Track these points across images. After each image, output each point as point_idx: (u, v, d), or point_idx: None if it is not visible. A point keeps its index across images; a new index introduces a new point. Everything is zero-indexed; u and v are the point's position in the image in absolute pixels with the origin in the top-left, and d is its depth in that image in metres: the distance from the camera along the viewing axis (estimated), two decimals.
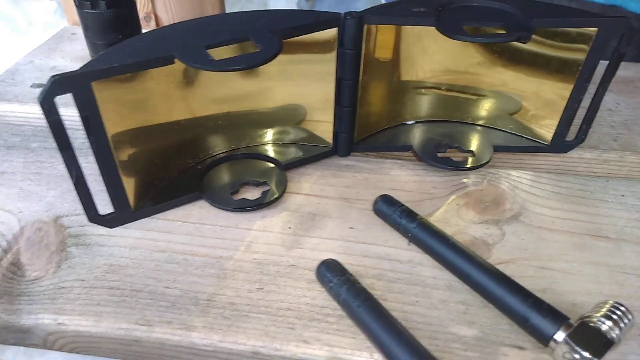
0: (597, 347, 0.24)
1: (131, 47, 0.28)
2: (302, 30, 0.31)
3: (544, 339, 0.26)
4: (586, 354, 0.24)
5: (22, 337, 0.29)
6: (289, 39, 0.31)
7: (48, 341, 0.29)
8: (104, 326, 0.28)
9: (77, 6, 0.44)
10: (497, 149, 0.39)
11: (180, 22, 0.31)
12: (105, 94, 0.28)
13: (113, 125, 0.30)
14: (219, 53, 0.28)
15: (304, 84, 0.37)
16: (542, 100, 0.39)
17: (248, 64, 0.27)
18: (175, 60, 0.28)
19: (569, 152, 0.40)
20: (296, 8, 1.71)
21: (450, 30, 0.31)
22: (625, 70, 0.51)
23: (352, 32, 0.32)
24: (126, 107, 0.31)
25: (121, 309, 0.29)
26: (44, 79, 0.50)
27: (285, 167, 0.38)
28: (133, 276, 0.30)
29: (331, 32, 0.33)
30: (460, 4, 0.33)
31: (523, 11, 0.33)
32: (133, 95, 0.31)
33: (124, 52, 0.28)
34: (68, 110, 0.28)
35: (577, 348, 0.24)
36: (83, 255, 0.32)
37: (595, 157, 0.40)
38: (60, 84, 0.26)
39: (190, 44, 0.28)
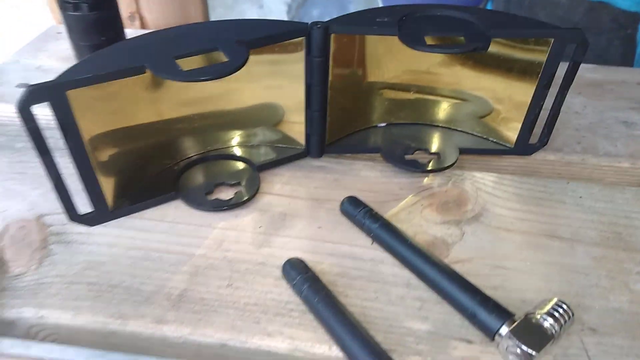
0: (537, 342, 0.26)
1: (104, 58, 0.30)
2: (270, 40, 0.32)
3: (490, 334, 0.28)
4: (526, 348, 0.26)
5: (5, 329, 0.31)
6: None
7: (30, 333, 0.30)
8: (81, 319, 0.30)
9: (60, 8, 0.46)
10: (463, 151, 0.41)
11: (153, 31, 0.32)
12: (80, 101, 0.30)
13: (90, 129, 0.32)
14: (189, 63, 0.30)
15: (280, 84, 0.38)
16: (514, 102, 0.41)
17: (215, 75, 0.29)
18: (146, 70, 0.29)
19: (533, 154, 0.42)
20: (285, 7, 1.70)
21: (411, 40, 0.32)
22: (595, 73, 0.52)
23: (318, 41, 0.34)
24: (102, 112, 0.33)
25: (98, 304, 0.30)
26: (30, 78, 0.51)
27: (259, 168, 0.39)
28: (110, 272, 0.32)
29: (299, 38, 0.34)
30: (424, 14, 0.35)
31: (483, 21, 0.34)
32: (108, 100, 0.33)
33: (98, 63, 0.29)
34: (48, 110, 0.29)
35: (518, 342, 0.26)
36: (64, 253, 0.33)
37: (558, 159, 0.42)
38: (36, 93, 0.28)
39: (161, 55, 0.30)
